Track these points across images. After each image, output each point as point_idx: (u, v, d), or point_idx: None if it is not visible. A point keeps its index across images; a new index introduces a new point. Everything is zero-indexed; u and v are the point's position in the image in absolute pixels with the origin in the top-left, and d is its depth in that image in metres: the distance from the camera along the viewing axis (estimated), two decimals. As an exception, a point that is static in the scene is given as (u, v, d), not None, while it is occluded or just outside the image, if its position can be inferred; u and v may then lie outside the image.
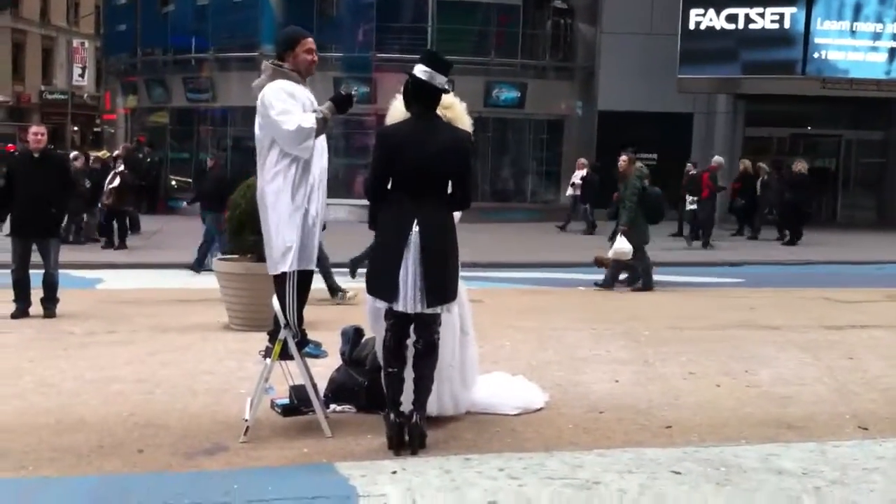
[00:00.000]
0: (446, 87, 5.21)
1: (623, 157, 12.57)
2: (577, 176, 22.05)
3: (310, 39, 5.48)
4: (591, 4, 26.00)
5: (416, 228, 4.96)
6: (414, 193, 5.04)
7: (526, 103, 25.47)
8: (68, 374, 6.87)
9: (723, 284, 13.97)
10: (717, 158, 19.85)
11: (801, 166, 20.18)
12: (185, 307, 10.50)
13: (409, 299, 4.98)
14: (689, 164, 20.91)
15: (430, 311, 5.02)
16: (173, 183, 27.13)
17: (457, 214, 5.40)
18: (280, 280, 5.37)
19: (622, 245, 11.94)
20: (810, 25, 22.26)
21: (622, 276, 12.52)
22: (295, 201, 5.27)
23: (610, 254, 12.31)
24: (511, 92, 25.33)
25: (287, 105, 5.19)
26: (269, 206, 5.34)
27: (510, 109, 25.28)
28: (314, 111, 5.24)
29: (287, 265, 5.31)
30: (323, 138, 5.46)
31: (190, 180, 26.98)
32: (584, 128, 26.21)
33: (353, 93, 5.40)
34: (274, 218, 5.33)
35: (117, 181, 17.06)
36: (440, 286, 5.01)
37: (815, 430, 5.48)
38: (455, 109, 5.56)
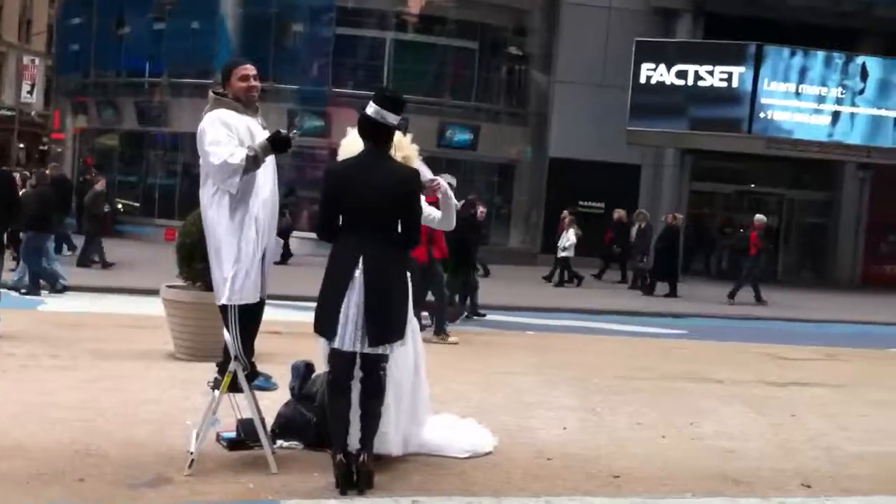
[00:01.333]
0: (399, 124, 5.20)
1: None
2: (570, 235, 20.38)
3: (246, 66, 5.40)
4: (546, 53, 26.38)
5: (360, 266, 4.95)
6: (360, 231, 5.04)
7: (479, 146, 25.70)
8: (8, 397, 6.68)
9: (667, 335, 14.13)
10: (760, 217, 19.90)
11: (673, 218, 20.48)
12: (129, 333, 10.31)
13: (348, 338, 4.96)
14: (617, 212, 21.78)
15: (375, 350, 4.99)
16: (120, 206, 26.72)
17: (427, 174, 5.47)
18: (224, 311, 5.29)
19: None
20: (757, 85, 22.83)
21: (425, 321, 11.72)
22: (231, 232, 5.18)
23: None
24: (464, 134, 25.56)
25: (219, 136, 5.11)
26: (208, 236, 5.29)
27: (463, 151, 25.46)
28: (248, 147, 5.12)
29: (225, 297, 5.21)
30: (273, 168, 5.40)
31: (137, 204, 26.68)
32: (535, 173, 26.48)
33: (292, 135, 5.20)
34: (212, 248, 5.27)
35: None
36: (382, 326, 4.97)
37: (760, 487, 5.53)
38: (406, 149, 5.57)
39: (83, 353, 8.76)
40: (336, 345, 5.00)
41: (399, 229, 5.11)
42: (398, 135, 5.36)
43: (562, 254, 20.26)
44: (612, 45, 24.65)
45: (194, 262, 8.57)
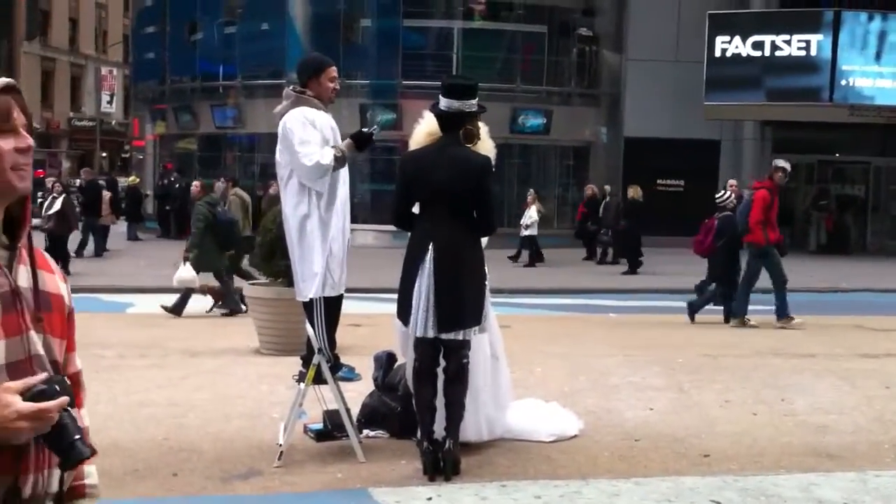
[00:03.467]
0: (472, 108, 5.14)
1: None
2: (533, 213, 20.04)
3: (333, 68, 5.49)
4: (617, 32, 26.06)
5: (430, 253, 4.95)
6: (432, 218, 5.06)
7: (551, 130, 25.50)
8: (101, 397, 6.85)
9: (754, 311, 13.81)
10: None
11: (634, 192, 19.67)
12: (215, 330, 10.53)
13: (420, 323, 4.97)
14: (589, 188, 21.79)
15: (449, 336, 4.97)
16: (201, 208, 27.26)
17: (484, 239, 5.39)
18: (308, 306, 5.37)
19: (184, 273, 11.56)
20: (837, 52, 22.19)
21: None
22: (320, 228, 5.27)
23: (174, 281, 11.79)
24: (536, 118, 25.39)
25: (307, 134, 5.18)
26: (294, 233, 5.34)
27: (536, 136, 25.32)
28: (333, 147, 5.22)
29: (313, 291, 5.29)
30: (344, 169, 5.47)
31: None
32: (611, 154, 26.19)
33: (374, 131, 5.40)
34: (299, 245, 5.32)
35: (58, 205, 16.83)
36: (453, 311, 4.95)
37: (855, 460, 5.39)
38: (486, 144, 5.53)
39: (171, 351, 8.97)
40: (410, 331, 5.02)
41: (474, 215, 5.09)
42: (483, 134, 5.34)
43: (524, 232, 19.89)
44: (685, 19, 24.21)
45: (275, 259, 8.70)
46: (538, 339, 9.95)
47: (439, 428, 5.07)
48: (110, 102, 48.33)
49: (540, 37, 26.00)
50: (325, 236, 5.27)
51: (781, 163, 11.52)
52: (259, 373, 7.88)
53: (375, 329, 9.74)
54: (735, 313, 11.34)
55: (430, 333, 4.97)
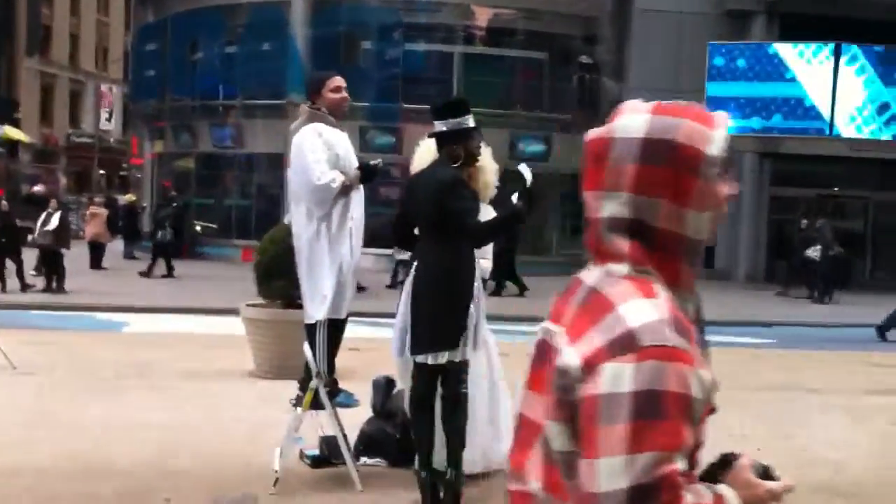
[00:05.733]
0: (460, 127, 4.93)
1: None
2: None
3: (337, 78, 5.46)
4: (617, 60, 26.09)
5: (411, 274, 4.87)
6: (421, 240, 4.99)
7: (551, 156, 25.46)
8: (97, 418, 6.73)
9: (754, 345, 13.71)
10: None
11: None
12: (212, 352, 10.35)
13: (399, 345, 4.88)
14: None
15: (422, 359, 4.81)
16: (198, 228, 27.18)
17: (485, 265, 5.26)
18: (311, 328, 5.26)
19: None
20: (836, 86, 22.23)
21: None
22: (332, 250, 5.18)
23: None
24: (536, 145, 25.35)
25: (320, 154, 5.12)
26: (304, 253, 5.24)
27: (535, 162, 25.23)
28: (344, 174, 5.19)
29: (322, 314, 5.20)
30: (361, 188, 5.39)
31: (215, 225, 27.08)
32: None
33: (379, 164, 5.41)
34: (310, 266, 5.23)
35: (55, 222, 16.71)
36: (425, 333, 4.79)
37: (867, 499, 5.26)
38: (488, 173, 5.42)
39: (168, 373, 8.82)
40: (392, 352, 4.93)
41: (454, 233, 4.92)
42: (484, 156, 5.21)
43: None
44: (685, 49, 24.26)
45: (273, 280, 8.56)
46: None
47: (438, 457, 4.93)
48: (109, 120, 48.33)
49: (540, 63, 26.04)
50: (334, 257, 5.18)
51: None
52: (255, 396, 7.74)
53: (374, 354, 9.60)
54: None
55: (408, 356, 4.85)
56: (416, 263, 4.88)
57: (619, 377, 1.37)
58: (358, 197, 5.34)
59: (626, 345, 1.38)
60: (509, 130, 24.58)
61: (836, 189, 26.65)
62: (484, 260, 5.38)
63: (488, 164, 5.37)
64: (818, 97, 22.38)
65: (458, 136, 4.94)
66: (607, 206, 1.50)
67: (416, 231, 5.06)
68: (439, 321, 4.81)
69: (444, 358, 4.82)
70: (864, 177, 25.67)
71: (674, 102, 1.53)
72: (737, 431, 6.86)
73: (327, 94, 5.33)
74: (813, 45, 22.35)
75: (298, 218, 5.31)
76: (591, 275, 1.53)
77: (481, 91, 24.47)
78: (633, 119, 1.49)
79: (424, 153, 5.25)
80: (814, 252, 19.58)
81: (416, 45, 25.24)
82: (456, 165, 4.93)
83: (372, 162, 5.38)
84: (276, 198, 25.57)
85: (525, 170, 4.92)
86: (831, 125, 22.41)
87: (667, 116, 1.47)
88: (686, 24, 24.80)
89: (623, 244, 1.48)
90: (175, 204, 23.42)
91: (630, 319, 1.40)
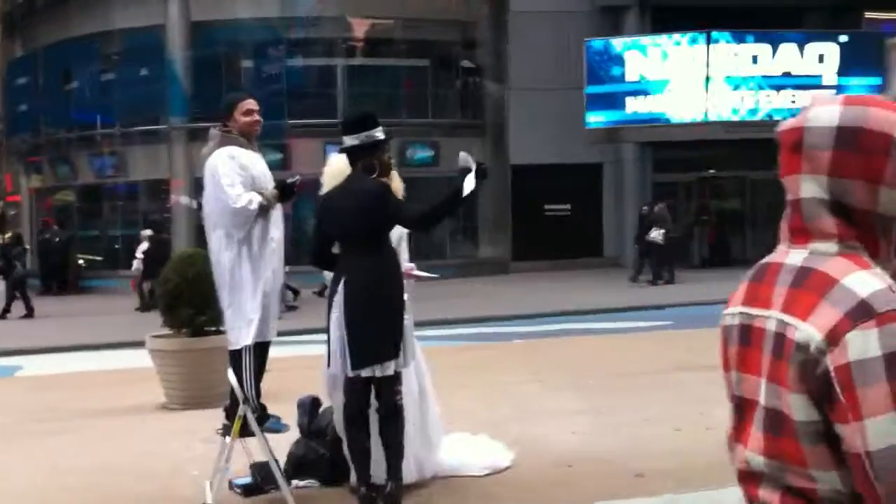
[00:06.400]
0: (371, 140, 5.01)
1: None
2: None
3: (249, 101, 5.41)
4: (497, 63, 26.45)
5: (341, 289, 4.86)
6: (345, 255, 5.02)
7: (440, 161, 25.65)
8: (6, 472, 6.47)
9: (651, 328, 14.13)
10: None
11: None
12: (115, 388, 10.07)
13: (337, 361, 4.86)
14: None
15: (367, 373, 4.85)
16: (81, 262, 26.38)
17: (405, 264, 5.33)
18: (236, 354, 5.20)
19: None
20: (709, 72, 23.02)
21: None
22: (255, 273, 5.13)
23: None
24: (424, 151, 25.52)
25: (235, 178, 5.09)
26: (225, 279, 5.17)
27: (425, 168, 25.41)
28: (261, 194, 5.13)
29: (250, 338, 5.14)
30: (279, 207, 5.36)
31: (100, 258, 26.34)
32: (498, 182, 26.47)
33: (296, 181, 5.33)
34: (232, 291, 5.16)
35: None
36: (365, 347, 4.84)
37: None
38: (395, 181, 5.46)
39: (72, 414, 8.56)
40: (330, 371, 4.91)
41: (383, 245, 4.99)
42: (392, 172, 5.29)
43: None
44: (563, 47, 24.78)
45: (179, 309, 8.42)
46: (451, 371, 9.87)
47: (377, 471, 4.95)
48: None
49: (423, 71, 26.21)
50: (257, 280, 5.12)
51: None
52: (170, 428, 7.58)
53: (287, 373, 9.53)
54: None
55: (349, 372, 4.85)
56: (343, 279, 4.87)
57: (866, 343, 1.50)
58: (277, 217, 5.29)
59: (863, 313, 1.51)
60: (397, 139, 24.62)
61: (712, 171, 27.63)
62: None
63: (395, 181, 5.42)
64: (693, 84, 23.11)
65: (370, 149, 4.99)
66: (807, 188, 1.65)
67: (336, 249, 5.08)
68: (380, 333, 4.85)
69: (390, 370, 4.88)
70: (741, 157, 26.69)
71: (859, 94, 1.70)
72: (640, 415, 7.10)
73: (238, 117, 5.28)
74: (686, 35, 23.06)
75: (216, 244, 5.23)
76: (793, 256, 1.66)
77: (366, 102, 24.49)
78: (825, 111, 1.64)
79: (336, 170, 5.27)
80: (656, 234, 20.15)
81: (298, 60, 25.08)
82: (373, 177, 4.99)
83: (289, 180, 5.32)
84: (161, 225, 25.06)
85: (466, 157, 5.00)
86: (706, 111, 23.18)
87: (856, 106, 1.63)
88: (562, 23, 25.35)
89: (830, 222, 1.63)
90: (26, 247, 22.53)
91: (859, 290, 1.54)
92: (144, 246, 19.95)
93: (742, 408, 1.70)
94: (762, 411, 1.63)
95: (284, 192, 5.27)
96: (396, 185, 5.43)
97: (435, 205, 4.97)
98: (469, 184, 4.78)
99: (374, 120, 5.10)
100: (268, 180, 5.29)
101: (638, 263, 20.73)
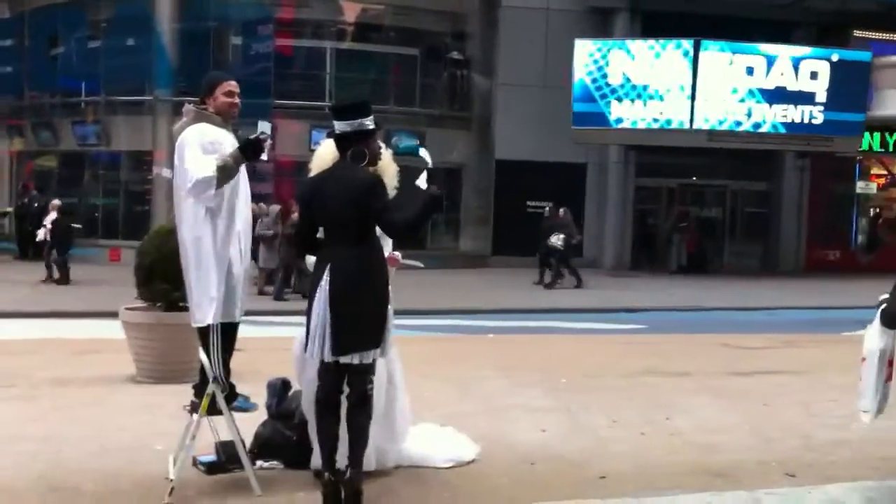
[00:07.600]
0: (362, 128, 4.98)
1: None
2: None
3: (231, 82, 5.35)
4: (487, 56, 26.45)
5: (326, 276, 4.86)
6: (330, 242, 4.98)
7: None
8: (-31, 433, 6.44)
9: (625, 331, 14.20)
10: None
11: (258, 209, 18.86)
12: (86, 358, 10.02)
13: (316, 347, 4.85)
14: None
15: (347, 360, 4.87)
16: (78, 226, 26.15)
17: (390, 251, 5.32)
18: (204, 332, 5.18)
19: None
20: (696, 80, 23.09)
21: None
22: (218, 251, 5.10)
23: None
24: (410, 140, 25.45)
25: (198, 153, 5.01)
26: (190, 256, 5.14)
27: (409, 157, 25.27)
28: (217, 157, 4.99)
29: (211, 317, 5.11)
30: (246, 185, 5.31)
31: (79, 225, 26.13)
32: (482, 176, 26.52)
33: (262, 136, 4.98)
34: (196, 269, 5.13)
35: None
36: (348, 334, 4.84)
37: (745, 479, 5.55)
38: (388, 170, 5.46)
39: (41, 381, 8.48)
40: (307, 354, 4.91)
41: (371, 234, 4.99)
42: (385, 157, 5.27)
43: None
44: (552, 46, 24.80)
45: (154, 283, 8.38)
46: (421, 362, 9.88)
47: (340, 458, 4.95)
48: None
49: (412, 59, 26.18)
50: (222, 259, 5.09)
51: None
52: (138, 402, 7.55)
53: (262, 353, 9.51)
54: None
55: (328, 357, 4.85)
56: (329, 265, 4.86)
57: None
58: (244, 194, 5.23)
59: None
60: (383, 126, 24.55)
61: (694, 178, 27.81)
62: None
63: (389, 166, 5.42)
64: (679, 91, 23.18)
65: (361, 137, 4.98)
66: None
67: (321, 233, 5.06)
68: (364, 322, 4.85)
69: (369, 358, 4.89)
70: (723, 167, 26.87)
71: None
72: (609, 417, 7.14)
73: (220, 97, 5.24)
74: (673, 42, 23.12)
75: (182, 219, 5.19)
76: None
77: (353, 86, 24.49)
78: None
79: (325, 154, 5.25)
80: (556, 240, 20.38)
81: (287, 40, 24.95)
82: (362, 166, 4.99)
83: (252, 136, 4.99)
84: (142, 196, 24.90)
85: (425, 153, 4.98)
86: (692, 118, 23.26)
87: None
88: (552, 21, 25.39)
89: None
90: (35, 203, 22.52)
91: None
92: (53, 216, 19.77)
93: None
94: None
95: (247, 149, 5.00)
96: (391, 171, 5.44)
97: (418, 215, 4.90)
98: (422, 182, 4.80)
99: (367, 107, 5.07)
100: None
101: (540, 267, 20.97)
